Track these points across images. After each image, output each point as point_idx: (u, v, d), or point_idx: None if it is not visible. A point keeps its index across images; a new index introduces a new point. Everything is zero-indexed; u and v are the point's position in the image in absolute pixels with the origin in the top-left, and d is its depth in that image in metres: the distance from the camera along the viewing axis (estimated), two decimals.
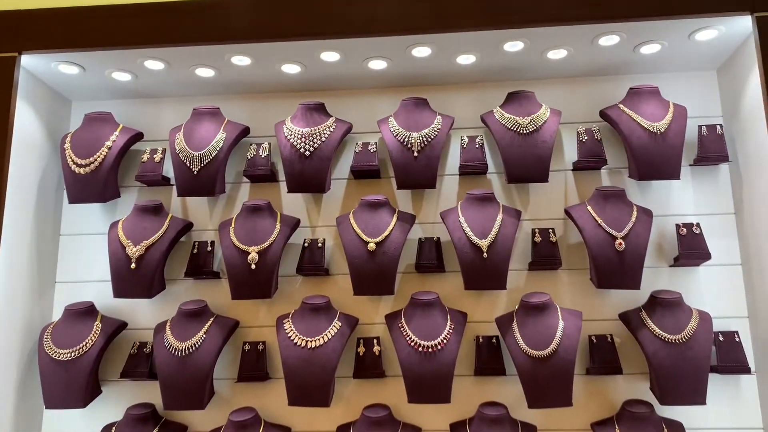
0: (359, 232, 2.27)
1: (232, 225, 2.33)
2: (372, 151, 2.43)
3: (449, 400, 2.14)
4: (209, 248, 2.40)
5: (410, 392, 2.15)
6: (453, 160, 2.48)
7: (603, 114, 2.39)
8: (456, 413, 2.26)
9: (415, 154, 2.32)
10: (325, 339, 2.20)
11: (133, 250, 2.26)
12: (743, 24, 2.12)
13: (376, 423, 2.18)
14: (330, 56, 2.30)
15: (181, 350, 2.20)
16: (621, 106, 2.35)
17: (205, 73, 2.41)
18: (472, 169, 2.41)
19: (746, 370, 2.19)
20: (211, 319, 2.29)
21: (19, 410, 2.26)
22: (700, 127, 2.35)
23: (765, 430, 2.19)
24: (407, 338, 2.19)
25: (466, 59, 2.34)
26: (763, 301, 2.17)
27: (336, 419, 2.28)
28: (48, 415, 2.37)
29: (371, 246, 2.23)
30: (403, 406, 2.27)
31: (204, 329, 2.25)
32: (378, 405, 2.24)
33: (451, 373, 2.15)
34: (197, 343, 2.21)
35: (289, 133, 2.37)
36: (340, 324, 2.25)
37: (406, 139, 2.33)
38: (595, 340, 2.27)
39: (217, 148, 2.37)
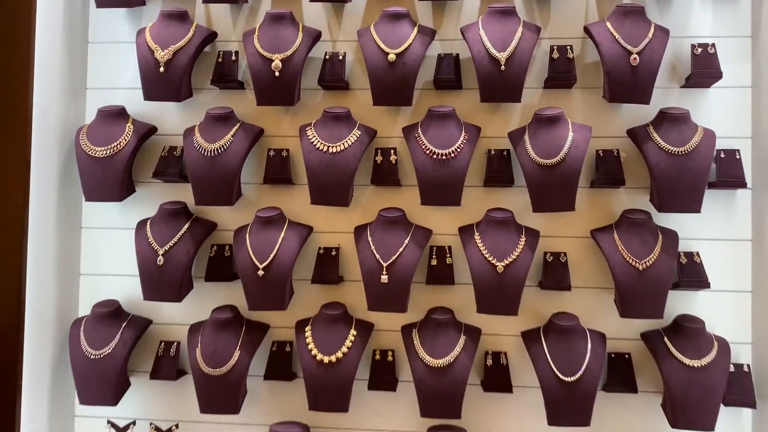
0: (380, 42, 2.32)
1: (256, 34, 2.39)
2: None
3: (459, 203, 2.31)
4: (233, 58, 2.47)
5: (423, 195, 2.31)
6: None
7: None
8: (464, 218, 2.42)
9: None
10: (346, 145, 2.33)
11: (162, 54, 2.34)
12: None
13: (391, 222, 2.35)
14: None
15: (210, 151, 2.34)
16: None
17: None
18: None
19: (743, 185, 2.32)
20: (238, 124, 2.41)
21: (61, 200, 2.46)
22: None
23: (753, 241, 2.36)
24: (422, 146, 2.31)
25: None
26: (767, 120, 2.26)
27: (354, 221, 2.46)
28: (87, 205, 2.57)
29: (391, 57, 2.29)
30: (416, 211, 2.43)
31: (231, 133, 2.37)
32: (393, 208, 2.40)
33: (462, 178, 2.30)
34: (225, 145, 2.35)
35: None
36: (359, 133, 2.37)
37: None
38: (602, 154, 2.38)
39: None
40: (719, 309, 2.36)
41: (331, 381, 2.27)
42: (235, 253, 2.37)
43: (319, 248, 2.46)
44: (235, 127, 2.39)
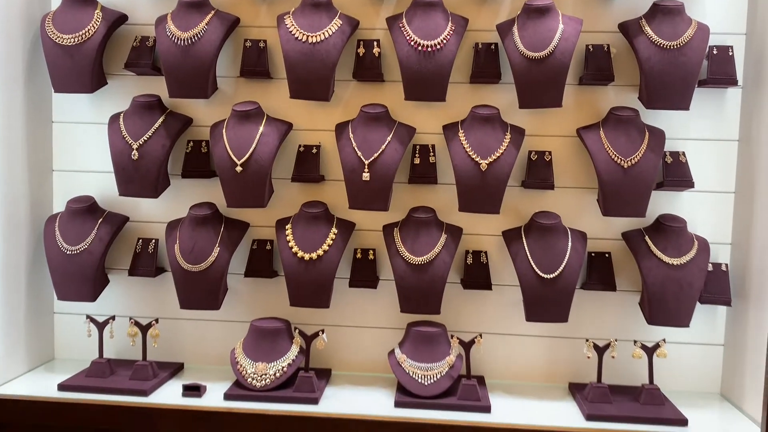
0: None
1: None
2: None
3: (444, 99, 2.24)
4: None
5: (407, 90, 2.23)
6: None
7: None
8: (449, 116, 2.36)
9: None
10: (326, 35, 2.23)
11: None
12: None
13: (373, 119, 2.28)
14: None
15: (183, 40, 2.22)
16: None
17: None
18: None
19: (734, 83, 2.26)
20: (212, 12, 2.29)
21: (29, 93, 2.36)
22: None
23: (740, 141, 2.33)
24: (407, 37, 2.22)
25: None
26: (764, 15, 2.18)
27: (335, 118, 2.39)
28: (57, 99, 2.47)
29: None
30: (400, 108, 2.36)
31: (205, 21, 2.25)
32: (376, 104, 2.33)
33: (448, 72, 2.22)
34: (199, 33, 2.23)
35: None
36: (341, 22, 2.26)
37: None
38: (591, 49, 2.30)
39: None
40: (702, 209, 2.36)
41: (312, 278, 2.27)
42: (212, 149, 2.31)
43: (300, 146, 2.40)
44: (210, 15, 2.27)
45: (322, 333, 2.24)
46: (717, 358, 2.38)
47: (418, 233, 2.29)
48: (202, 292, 2.31)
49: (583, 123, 2.34)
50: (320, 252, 2.27)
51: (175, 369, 2.42)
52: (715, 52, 2.26)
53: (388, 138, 2.27)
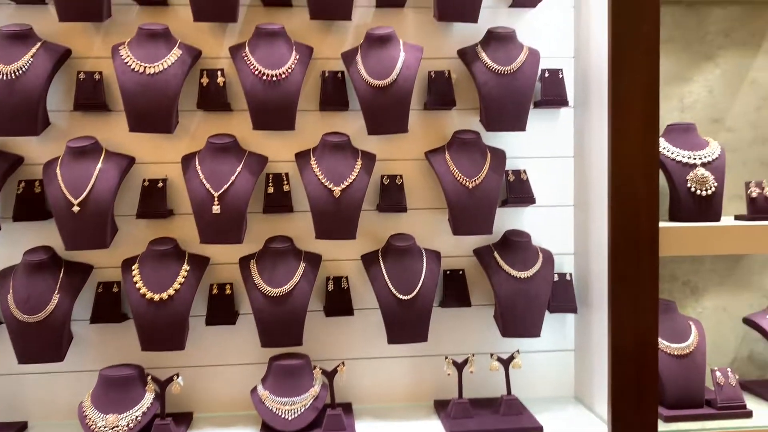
0: None
1: None
2: None
3: (293, 127, 2.23)
4: None
5: (255, 119, 2.20)
6: None
7: None
8: (300, 144, 2.35)
9: None
10: (165, 65, 2.15)
11: None
12: None
13: (221, 149, 2.22)
14: None
15: (6, 74, 2.06)
16: None
17: None
18: None
19: (565, 103, 2.42)
20: (38, 43, 2.14)
21: None
22: None
23: (575, 157, 2.49)
24: (251, 66, 2.19)
25: None
26: (588, 40, 2.34)
27: (181, 150, 2.30)
28: None
29: None
30: (249, 136, 2.32)
31: (30, 53, 2.10)
32: (224, 134, 2.27)
33: (295, 101, 2.21)
34: (24, 66, 2.08)
35: None
36: (180, 52, 2.19)
37: None
38: (433, 75, 2.38)
39: None
40: (545, 223, 2.49)
41: (164, 319, 2.16)
42: (46, 189, 2.14)
43: (144, 180, 2.29)
44: (35, 47, 2.12)
45: (177, 377, 2.13)
46: (569, 363, 2.52)
47: (275, 264, 2.25)
48: (42, 343, 2.13)
49: (431, 146, 2.41)
50: (171, 291, 2.16)
51: (17, 429, 2.21)
52: (546, 75, 2.41)
53: (238, 168, 2.21)
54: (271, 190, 2.31)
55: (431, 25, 2.40)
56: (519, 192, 2.40)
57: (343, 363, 2.21)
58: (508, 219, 2.45)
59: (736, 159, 2.58)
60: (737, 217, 2.34)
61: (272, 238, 2.30)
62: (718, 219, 2.26)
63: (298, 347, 2.28)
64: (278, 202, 2.31)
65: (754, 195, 2.26)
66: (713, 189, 2.23)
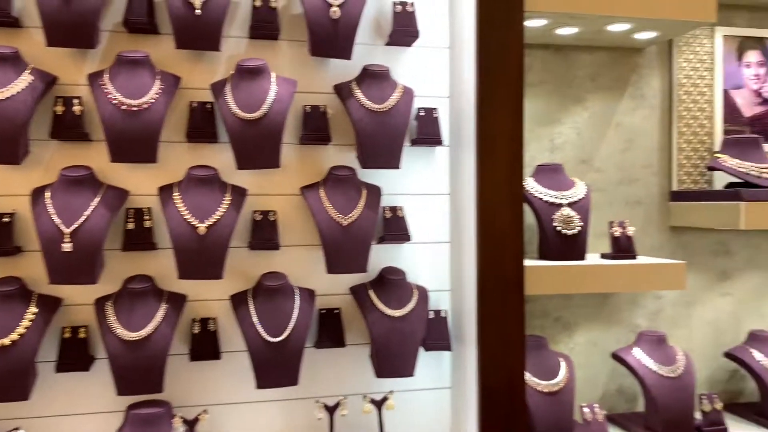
0: None
1: None
2: None
3: (155, 160, 2.11)
4: None
5: (113, 151, 2.07)
6: None
7: None
8: (165, 177, 2.23)
9: None
10: (13, 92, 1.99)
11: None
12: None
13: (75, 182, 2.07)
14: None
15: None
16: None
17: None
18: None
19: (439, 142, 2.43)
20: None
21: None
22: None
23: (451, 194, 2.51)
24: (109, 95, 2.06)
25: None
26: (460, 81, 2.37)
27: (32, 182, 2.13)
28: None
29: None
30: (110, 169, 2.17)
31: None
32: (79, 166, 2.12)
33: (157, 133, 2.09)
34: None
35: None
36: (32, 77, 2.04)
37: None
38: (309, 110, 2.33)
39: None
40: (422, 260, 2.48)
41: (6, 367, 1.96)
42: None
43: None
44: None
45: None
46: (446, 402, 2.49)
47: (133, 306, 2.11)
48: None
49: (307, 181, 2.35)
50: (15, 336, 1.97)
51: None
52: (422, 113, 2.42)
53: (93, 203, 2.07)
54: (131, 226, 2.17)
55: (307, 59, 2.36)
56: (395, 229, 2.38)
57: (205, 410, 2.09)
58: (384, 256, 2.43)
59: (603, 199, 2.68)
60: (603, 256, 2.42)
61: (131, 278, 2.15)
62: (583, 257, 2.33)
63: (159, 394, 2.13)
64: (139, 238, 2.17)
65: (616, 234, 2.35)
66: (578, 228, 2.30)
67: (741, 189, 2.41)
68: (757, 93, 2.81)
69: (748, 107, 2.80)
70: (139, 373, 2.07)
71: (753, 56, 2.80)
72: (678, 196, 2.71)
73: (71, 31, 2.03)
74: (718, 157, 2.56)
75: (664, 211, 2.76)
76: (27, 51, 2.11)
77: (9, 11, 2.06)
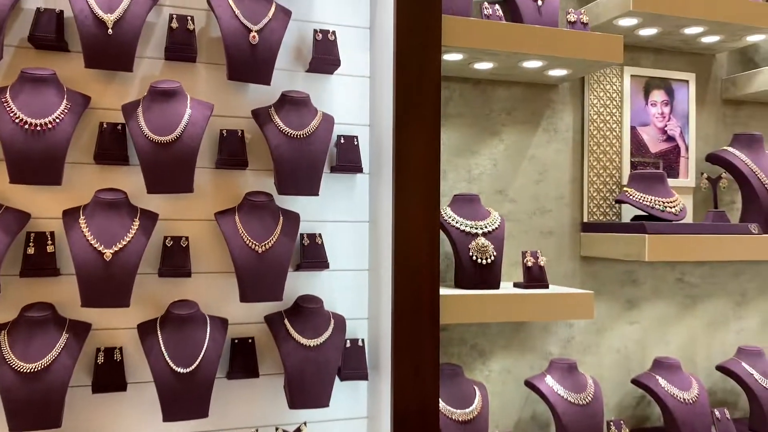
0: None
1: None
2: None
3: (59, 182, 2.01)
4: None
5: (12, 172, 1.96)
6: None
7: None
8: (71, 200, 2.13)
9: None
10: None
11: None
12: None
13: None
14: None
15: None
16: None
17: None
18: None
19: (359, 170, 2.43)
20: None
21: None
22: None
23: (370, 222, 2.51)
24: (11, 114, 1.96)
25: None
26: (380, 110, 2.39)
27: None
28: None
29: None
30: (10, 189, 2.06)
31: None
32: None
33: (62, 153, 2.00)
34: None
35: None
36: None
37: None
38: (225, 134, 2.29)
39: None
40: (341, 287, 2.46)
41: None
42: None
43: None
44: None
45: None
46: (362, 431, 2.47)
47: (31, 335, 1.99)
48: None
49: (222, 206, 2.30)
50: None
51: None
52: (342, 141, 2.43)
53: None
54: (31, 250, 2.06)
55: (225, 82, 2.32)
56: (313, 256, 2.36)
57: None
58: (302, 284, 2.39)
59: (519, 228, 2.75)
60: (516, 284, 2.48)
61: (29, 306, 2.03)
62: (497, 286, 2.37)
63: (56, 429, 2.01)
64: (40, 264, 2.06)
65: (529, 264, 2.40)
66: (493, 258, 2.34)
67: (645, 222, 2.52)
68: (662, 130, 2.96)
69: (654, 143, 2.95)
70: (35, 407, 1.94)
71: (658, 96, 2.96)
72: (588, 227, 2.81)
73: None
74: (626, 191, 2.67)
75: (575, 241, 2.86)
76: None
77: None
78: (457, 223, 2.37)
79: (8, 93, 2.00)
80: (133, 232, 2.08)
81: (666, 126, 2.96)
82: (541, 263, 2.42)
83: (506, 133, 2.77)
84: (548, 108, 2.83)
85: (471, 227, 2.37)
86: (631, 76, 2.90)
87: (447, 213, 2.39)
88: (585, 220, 2.84)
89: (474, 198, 2.46)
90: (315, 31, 2.37)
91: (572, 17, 2.51)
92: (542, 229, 2.80)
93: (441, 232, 2.35)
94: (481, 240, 2.34)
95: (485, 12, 2.42)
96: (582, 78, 2.85)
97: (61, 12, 2.12)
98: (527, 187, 2.79)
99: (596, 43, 2.43)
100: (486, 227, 2.38)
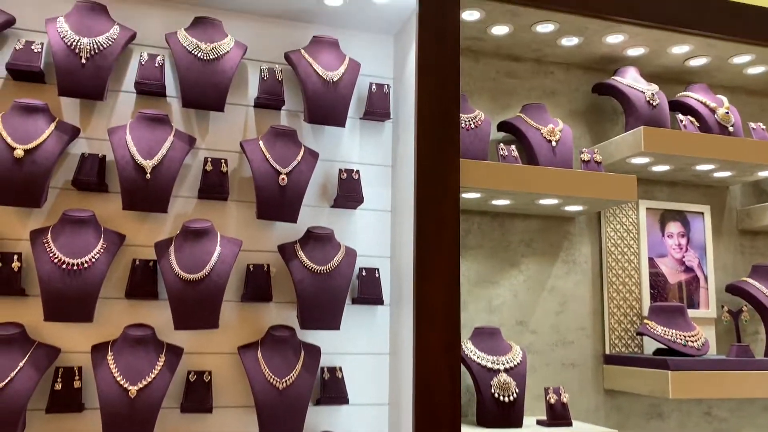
0: (5, 136, 2.06)
1: None
2: (36, 51, 2.21)
3: (91, 319, 2.08)
4: None
5: (47, 309, 2.04)
6: (131, 77, 2.37)
7: (287, 57, 2.48)
8: (101, 335, 2.19)
9: (83, 60, 2.17)
10: None
11: None
12: None
13: (4, 341, 2.01)
14: None
15: None
16: (302, 51, 2.47)
17: None
18: (149, 89, 2.32)
19: (380, 302, 2.48)
20: None
21: None
22: (370, 84, 2.58)
23: (391, 354, 2.52)
24: (50, 254, 2.07)
25: None
26: (400, 244, 2.47)
27: None
28: None
29: (18, 152, 2.04)
30: (42, 326, 2.13)
31: None
32: (9, 323, 2.08)
33: (96, 292, 2.09)
34: None
35: None
36: None
37: (75, 43, 2.17)
38: (252, 269, 2.37)
39: None
40: (361, 422, 2.44)
41: None
42: None
43: None
44: None
45: None
46: None
47: None
48: None
49: (246, 339, 2.34)
50: None
51: None
52: (364, 273, 2.49)
53: (21, 363, 2.00)
54: (58, 386, 2.10)
55: (254, 218, 2.43)
56: (333, 391, 2.36)
57: None
58: (322, 419, 2.38)
59: (540, 360, 2.74)
60: (539, 422, 2.43)
61: None
62: (520, 425, 2.33)
63: None
64: (66, 401, 2.09)
65: (552, 401, 2.37)
66: (515, 395, 2.32)
67: (668, 358, 2.50)
68: (680, 261, 2.99)
69: (672, 275, 2.97)
70: None
71: (674, 227, 3.01)
72: (611, 359, 2.79)
73: (17, 192, 2.06)
74: (647, 324, 2.67)
75: (598, 374, 2.82)
76: None
77: None
78: (478, 357, 2.37)
79: (49, 234, 2.11)
80: (159, 368, 2.12)
81: (684, 257, 3.00)
82: (564, 400, 2.39)
83: (526, 264, 2.81)
84: (566, 240, 2.89)
85: (493, 362, 2.36)
86: (647, 208, 2.97)
87: (468, 347, 2.40)
88: (607, 351, 2.82)
89: (495, 331, 2.47)
90: (340, 170, 2.50)
91: (586, 156, 2.62)
92: (564, 361, 2.78)
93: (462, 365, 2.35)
94: (503, 376, 2.33)
95: (501, 152, 2.54)
96: (598, 212, 2.92)
97: (104, 157, 2.27)
98: (548, 318, 2.80)
99: (611, 182, 2.52)
100: (508, 363, 2.38)
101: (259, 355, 2.26)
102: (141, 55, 2.33)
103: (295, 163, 2.34)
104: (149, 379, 2.08)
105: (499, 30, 2.67)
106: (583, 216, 2.91)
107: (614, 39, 2.74)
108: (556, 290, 2.84)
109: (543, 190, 2.42)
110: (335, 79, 2.43)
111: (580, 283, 2.87)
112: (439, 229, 2.22)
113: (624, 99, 2.83)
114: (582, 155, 2.63)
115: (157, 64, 2.33)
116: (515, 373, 2.37)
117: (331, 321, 2.32)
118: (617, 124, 3.07)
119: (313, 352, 2.34)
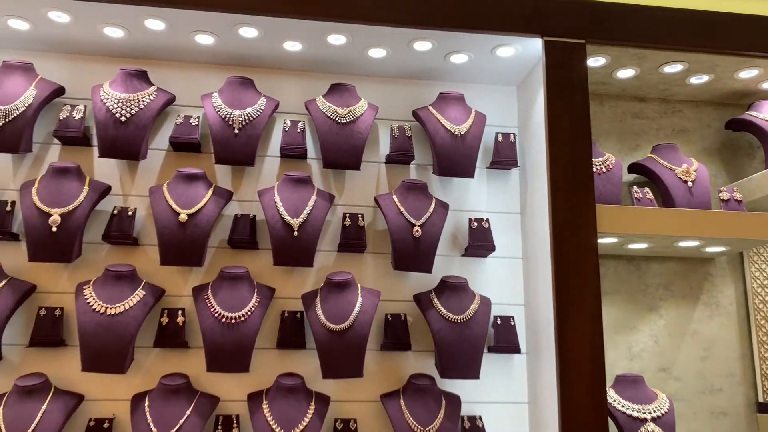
0: (171, 202, 2.28)
1: (36, 185, 2.25)
2: (194, 124, 2.45)
3: (248, 370, 2.23)
4: (8, 208, 2.28)
5: (209, 361, 2.21)
6: (275, 142, 2.57)
7: (415, 114, 2.60)
8: (255, 384, 2.34)
9: (236, 131, 2.38)
10: (127, 306, 2.19)
11: None
12: (536, 46, 2.43)
13: (173, 391, 2.20)
14: (155, 24, 2.30)
15: None
16: (430, 107, 2.58)
17: (18, 25, 2.31)
18: (293, 152, 2.51)
19: (517, 350, 2.49)
20: (4, 281, 2.19)
21: None
22: (496, 134, 2.64)
23: (530, 403, 2.51)
24: (211, 308, 2.24)
25: (292, 46, 2.45)
26: (536, 291, 2.48)
27: (133, 388, 2.27)
28: None
29: (182, 217, 2.26)
30: (203, 376, 2.31)
31: None
32: (176, 374, 2.26)
33: (252, 343, 2.24)
34: None
35: (106, 96, 2.33)
36: (144, 293, 2.25)
37: (228, 116, 2.39)
38: (390, 318, 2.45)
39: (26, 104, 2.27)
40: None
41: None
42: None
43: (90, 420, 2.22)
44: (1, 283, 2.18)
45: None
46: None
47: None
48: None
49: (387, 388, 2.42)
50: None
51: None
52: (498, 322, 2.51)
53: (188, 411, 2.17)
54: None
55: (389, 269, 2.53)
56: None
57: None
58: None
59: (686, 409, 2.61)
60: None
61: None
62: None
63: None
64: None
65: None
66: None
67: None
68: None
69: None
70: None
71: None
72: (765, 407, 2.62)
73: (182, 253, 2.26)
74: None
75: (752, 423, 2.65)
76: (142, 267, 2.35)
77: (130, 232, 2.34)
78: (623, 407, 2.30)
79: (209, 290, 2.30)
80: (310, 416, 2.22)
81: None
82: None
83: (665, 308, 2.72)
84: (707, 281, 2.77)
85: (639, 411, 2.29)
86: None
87: (611, 396, 2.34)
88: (761, 399, 2.65)
89: (638, 379, 2.40)
90: (470, 219, 2.55)
91: (725, 195, 2.53)
92: (713, 410, 2.64)
93: None
94: (651, 426, 2.25)
95: (635, 195, 2.51)
96: (740, 251, 2.79)
97: (254, 216, 2.46)
98: (692, 364, 2.68)
99: (755, 221, 2.41)
100: (655, 411, 2.30)
101: (402, 403, 2.32)
102: (285, 122, 2.52)
103: (427, 215, 2.43)
104: (301, 427, 2.18)
105: (625, 73, 2.66)
106: (725, 256, 2.78)
107: (747, 74, 2.66)
108: (700, 334, 2.71)
109: (684, 233, 2.35)
110: (463, 132, 2.51)
111: (725, 326, 2.73)
112: (579, 275, 2.21)
113: (762, 134, 2.72)
114: (721, 194, 2.54)
115: (299, 130, 2.51)
116: (663, 423, 2.28)
117: (470, 370, 2.34)
118: (754, 159, 2.94)
119: (454, 400, 2.37)
